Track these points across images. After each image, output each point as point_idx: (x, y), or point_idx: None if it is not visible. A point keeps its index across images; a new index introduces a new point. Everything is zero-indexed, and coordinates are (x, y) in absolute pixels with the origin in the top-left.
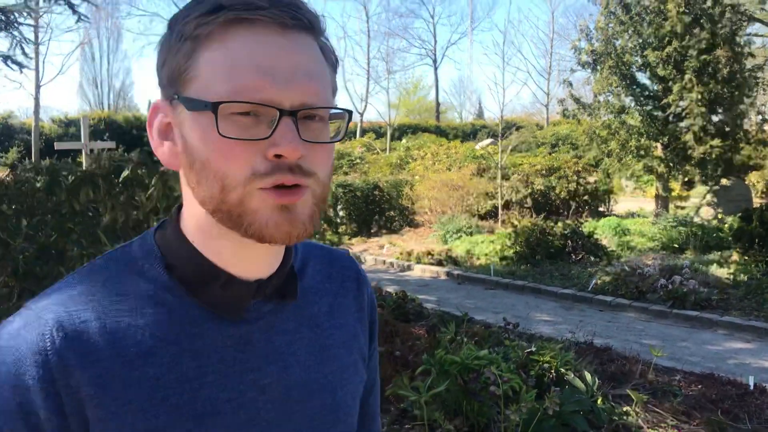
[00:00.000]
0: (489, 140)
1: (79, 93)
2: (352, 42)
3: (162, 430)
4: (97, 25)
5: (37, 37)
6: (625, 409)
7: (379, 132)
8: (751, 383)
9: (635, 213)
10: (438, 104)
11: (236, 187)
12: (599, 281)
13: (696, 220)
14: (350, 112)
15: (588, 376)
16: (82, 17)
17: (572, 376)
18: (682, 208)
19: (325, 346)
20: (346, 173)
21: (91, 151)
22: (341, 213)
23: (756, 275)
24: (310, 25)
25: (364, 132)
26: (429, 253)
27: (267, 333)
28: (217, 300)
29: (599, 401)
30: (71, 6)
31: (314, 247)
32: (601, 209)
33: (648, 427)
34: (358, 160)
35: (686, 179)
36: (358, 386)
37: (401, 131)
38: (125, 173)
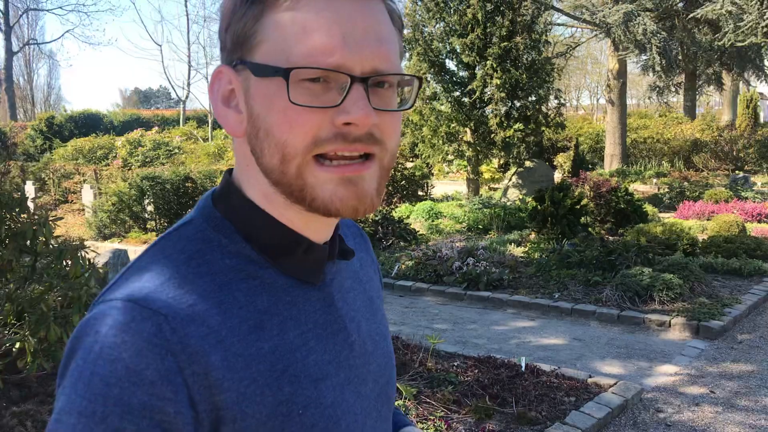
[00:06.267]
0: None
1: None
2: (170, 26)
3: (288, 400)
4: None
5: None
6: (397, 403)
7: (205, 120)
8: (523, 364)
9: (450, 196)
10: None
11: (295, 157)
12: (403, 266)
13: (504, 201)
14: (420, 79)
15: None
16: None
17: None
18: (495, 189)
19: (370, 298)
20: (162, 164)
21: None
22: (149, 208)
23: (545, 254)
24: None
25: (187, 120)
26: None
27: (340, 293)
28: (300, 266)
29: None
30: None
31: None
32: (420, 194)
33: (417, 421)
34: (176, 150)
35: (502, 162)
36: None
37: None
38: None
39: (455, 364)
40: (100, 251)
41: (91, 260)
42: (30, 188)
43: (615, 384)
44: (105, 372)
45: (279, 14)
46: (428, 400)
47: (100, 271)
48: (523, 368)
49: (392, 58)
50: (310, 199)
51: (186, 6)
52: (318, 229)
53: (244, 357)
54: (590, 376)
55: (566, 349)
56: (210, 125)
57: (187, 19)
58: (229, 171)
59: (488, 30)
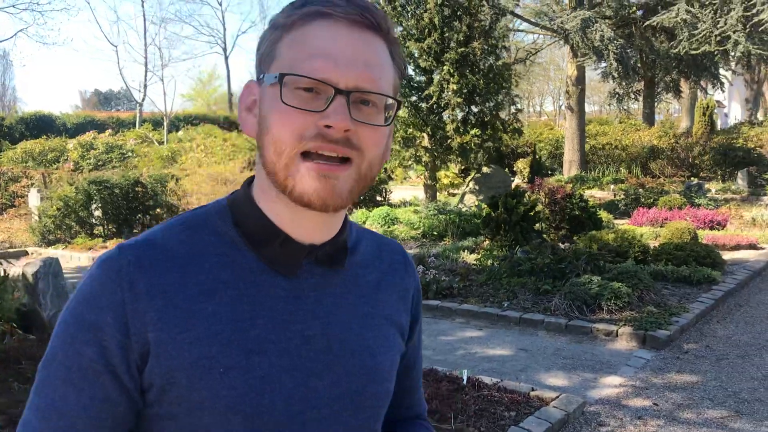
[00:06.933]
0: None
1: None
2: (127, 27)
3: (213, 358)
4: None
5: None
6: None
7: (161, 123)
8: (465, 378)
9: (408, 202)
10: (231, 95)
11: (285, 150)
12: None
13: (460, 207)
14: (399, 102)
15: None
16: None
17: None
18: (455, 195)
19: (368, 314)
20: (115, 167)
21: None
22: (97, 213)
23: (497, 261)
24: (377, 26)
25: (143, 122)
26: None
27: (315, 292)
28: (274, 256)
29: None
30: None
31: (368, 231)
32: (379, 199)
33: None
34: (129, 154)
35: (463, 168)
36: (395, 356)
37: (188, 122)
38: None
39: None
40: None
41: (6, 271)
42: None
43: (557, 397)
44: (80, 294)
45: (290, 35)
46: None
47: (20, 283)
48: (464, 381)
49: (377, 82)
50: (291, 188)
51: (143, 6)
52: (304, 228)
53: (184, 310)
54: (533, 389)
55: (512, 360)
56: (166, 128)
57: (144, 20)
58: None
59: (445, 35)
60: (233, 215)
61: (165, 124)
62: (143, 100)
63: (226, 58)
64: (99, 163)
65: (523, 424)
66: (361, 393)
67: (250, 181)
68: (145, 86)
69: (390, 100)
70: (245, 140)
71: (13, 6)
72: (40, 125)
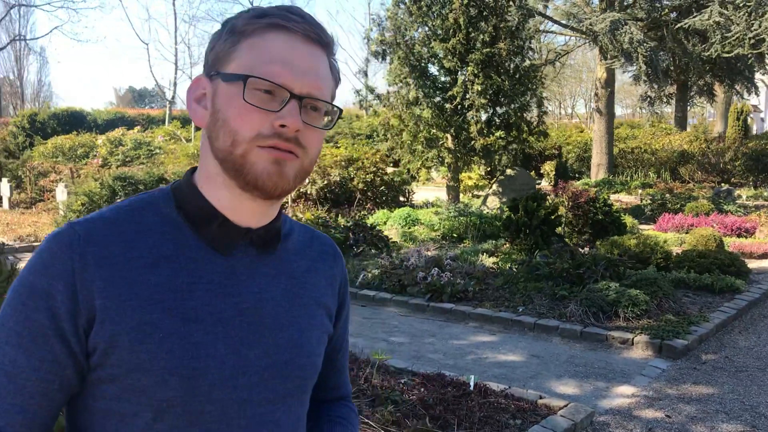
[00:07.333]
0: None
1: None
2: (158, 24)
3: (153, 324)
4: None
5: None
6: None
7: (190, 120)
8: (472, 383)
9: (431, 203)
10: None
11: (242, 143)
12: (369, 275)
13: (483, 209)
14: (341, 110)
15: None
16: None
17: None
18: (478, 196)
19: (298, 295)
20: (143, 163)
21: None
22: None
23: (515, 265)
24: (326, 44)
25: (172, 120)
26: None
27: (250, 270)
28: (212, 235)
29: None
30: None
31: (301, 225)
32: (402, 200)
33: None
34: (157, 150)
35: (489, 169)
36: (322, 335)
37: None
38: None
39: (402, 381)
40: None
41: (13, 265)
42: (5, 186)
43: (565, 406)
44: (31, 264)
45: (251, 41)
46: (367, 421)
47: None
48: (471, 387)
49: (325, 92)
50: (246, 173)
51: (174, 4)
52: (242, 213)
53: (129, 281)
54: (541, 397)
55: (523, 366)
56: (193, 126)
57: (175, 18)
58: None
59: (471, 35)
60: (176, 199)
61: (193, 122)
62: (173, 97)
63: None
64: (127, 159)
65: None
66: (288, 364)
67: (193, 170)
68: (175, 84)
69: (331, 108)
70: None
71: (49, 3)
72: (72, 121)
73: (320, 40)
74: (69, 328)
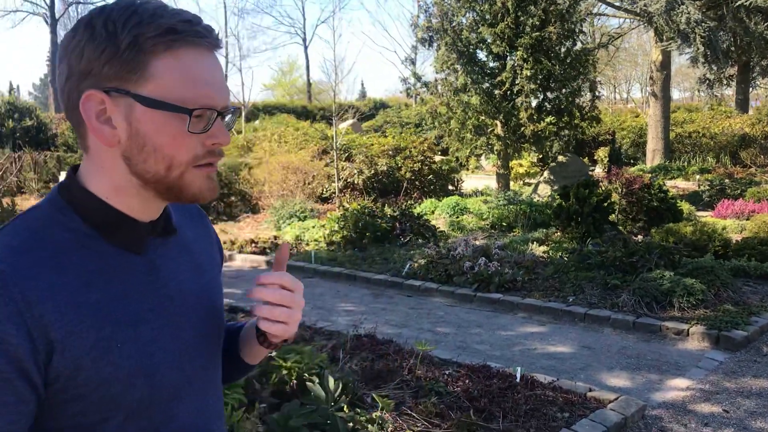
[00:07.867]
0: (351, 121)
1: None
2: (207, 17)
3: (108, 337)
4: None
5: None
6: (375, 415)
7: (240, 112)
8: (518, 375)
9: (480, 191)
10: (309, 84)
11: (179, 167)
12: (415, 264)
13: (533, 197)
14: (240, 109)
15: (331, 382)
16: None
17: (315, 382)
18: (530, 184)
19: (199, 264)
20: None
21: None
22: None
23: (565, 254)
24: (221, 47)
25: None
26: (253, 241)
27: (163, 259)
28: (126, 239)
29: (345, 409)
30: None
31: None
32: (451, 188)
33: None
34: None
35: (540, 156)
36: (222, 293)
37: (267, 112)
38: None
39: (447, 372)
40: None
41: None
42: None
43: (616, 399)
44: None
45: (163, 61)
46: (410, 412)
47: None
48: (517, 379)
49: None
50: (185, 193)
51: None
52: (149, 211)
53: (73, 305)
54: (590, 390)
55: (572, 358)
56: (243, 117)
57: (225, 11)
58: (74, 168)
59: (520, 19)
60: (77, 213)
61: (243, 113)
62: None
63: (306, 48)
64: None
65: (576, 427)
66: (211, 329)
67: (75, 170)
68: (225, 77)
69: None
70: (315, 130)
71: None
72: None
73: (219, 45)
74: (31, 367)
